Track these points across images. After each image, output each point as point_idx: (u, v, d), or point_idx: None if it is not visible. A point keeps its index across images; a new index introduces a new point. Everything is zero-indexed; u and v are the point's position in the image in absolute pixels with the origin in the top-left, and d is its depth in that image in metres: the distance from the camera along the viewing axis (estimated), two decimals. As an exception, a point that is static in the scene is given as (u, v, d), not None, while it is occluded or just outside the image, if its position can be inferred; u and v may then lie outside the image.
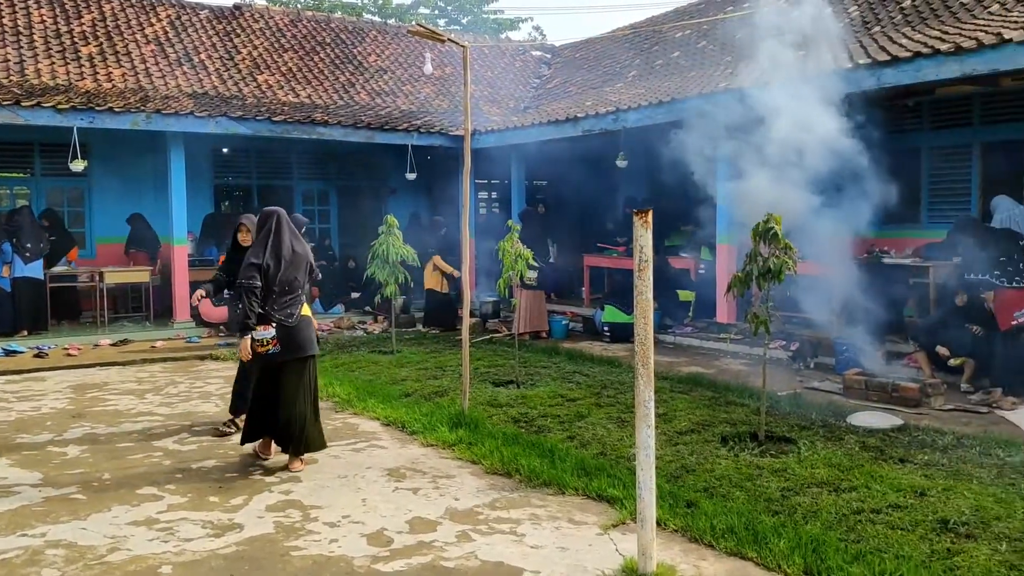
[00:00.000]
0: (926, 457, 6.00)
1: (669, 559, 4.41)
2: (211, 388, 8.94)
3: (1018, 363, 7.49)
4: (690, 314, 12.12)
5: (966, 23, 9.88)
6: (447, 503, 5.35)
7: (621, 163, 12.75)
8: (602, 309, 12.07)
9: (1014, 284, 7.70)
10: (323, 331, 12.87)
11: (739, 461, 5.97)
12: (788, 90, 9.49)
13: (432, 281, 13.07)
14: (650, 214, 4.15)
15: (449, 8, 35.03)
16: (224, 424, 7.11)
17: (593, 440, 6.63)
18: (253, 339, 5.86)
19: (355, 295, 14.55)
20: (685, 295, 12.25)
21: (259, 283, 5.86)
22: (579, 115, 12.78)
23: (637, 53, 17.06)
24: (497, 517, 5.09)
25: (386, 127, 14.15)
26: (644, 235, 4.15)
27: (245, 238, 6.88)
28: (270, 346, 5.91)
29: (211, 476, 5.98)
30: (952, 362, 7.98)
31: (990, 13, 10.19)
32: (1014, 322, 7.54)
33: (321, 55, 17.62)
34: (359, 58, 18.05)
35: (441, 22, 34.85)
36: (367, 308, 14.09)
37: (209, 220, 14.85)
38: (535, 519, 5.06)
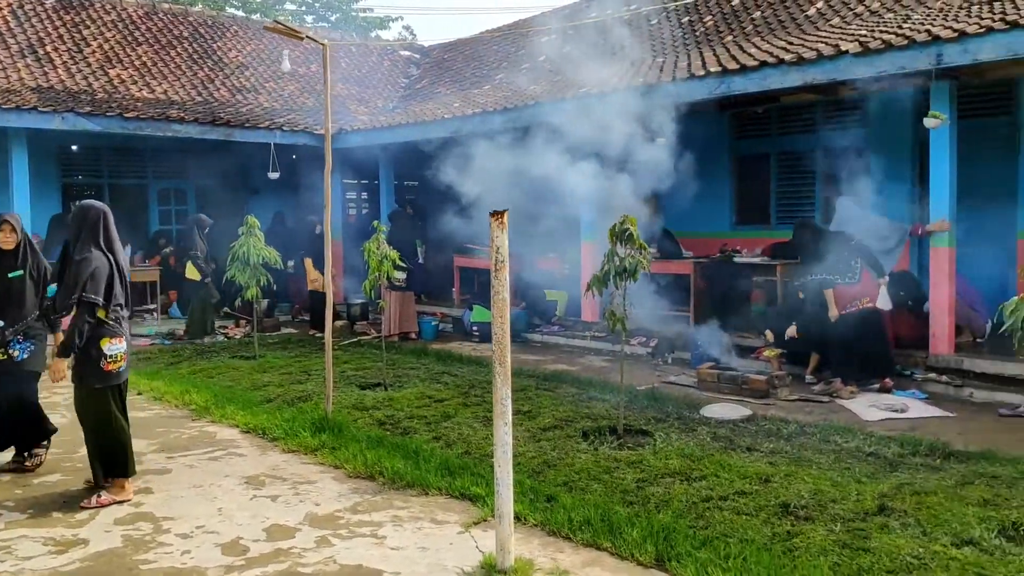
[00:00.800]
0: (771, 445, 6.34)
1: (528, 553, 4.49)
2: (57, 399, 8.46)
3: (848, 352, 8.01)
4: (558, 313, 12.36)
5: (810, 35, 10.49)
6: (307, 509, 5.26)
7: (492, 165, 12.84)
8: (471, 309, 12.15)
9: (847, 281, 8.23)
10: (180, 338, 12.40)
11: (598, 455, 6.14)
12: (633, 97, 9.87)
13: (317, 282, 12.82)
14: (506, 215, 4.21)
15: (316, 4, 34.38)
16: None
17: (459, 440, 6.66)
18: (105, 356, 5.41)
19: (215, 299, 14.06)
20: (553, 295, 12.47)
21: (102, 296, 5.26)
22: (446, 116, 12.81)
23: (505, 56, 17.25)
24: (358, 521, 5.05)
25: (247, 125, 13.76)
26: (500, 236, 4.21)
27: (6, 240, 5.95)
28: (122, 362, 5.52)
29: (55, 490, 5.66)
30: (766, 353, 8.45)
31: (832, 26, 10.86)
32: (844, 311, 8.08)
33: (178, 49, 16.95)
34: (219, 53, 17.47)
35: (308, 18, 34.16)
36: (227, 311, 13.65)
37: (55, 221, 14.02)
38: (397, 521, 5.04)
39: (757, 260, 10.42)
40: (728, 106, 10.70)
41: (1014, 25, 7.22)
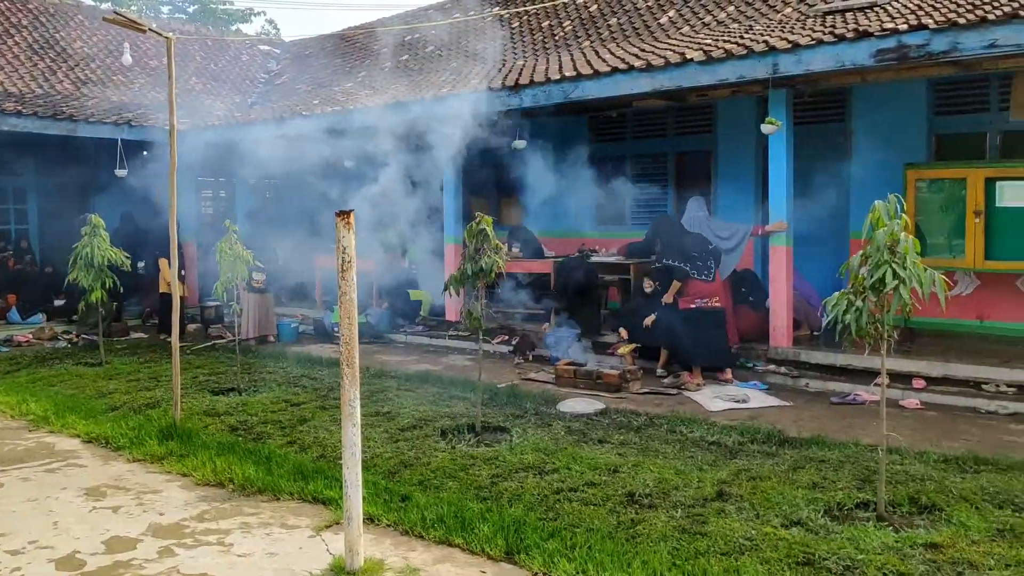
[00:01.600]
0: (622, 437, 6.57)
1: (379, 553, 4.49)
2: None
3: (692, 344, 8.40)
4: (422, 313, 12.35)
5: (661, 43, 10.89)
6: (151, 519, 5.07)
7: (348, 164, 12.69)
8: (331, 311, 11.97)
9: (703, 277, 8.64)
10: (20, 343, 11.67)
11: (455, 453, 6.19)
12: (490, 98, 10.02)
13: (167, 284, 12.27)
14: (352, 215, 4.20)
15: (172, -5, 33.06)
16: None
17: (314, 443, 6.57)
18: None
19: (58, 302, 13.31)
20: (417, 295, 12.45)
21: None
22: (305, 113, 12.57)
23: (368, 54, 17.08)
24: (205, 529, 4.91)
25: (92, 119, 13.07)
26: (347, 236, 4.19)
27: None
28: None
29: None
30: (621, 351, 8.77)
31: (682, 35, 11.31)
32: (692, 305, 8.47)
33: (16, 39, 15.92)
34: (63, 43, 16.51)
35: (164, 9, 32.78)
36: (74, 317, 12.94)
37: None
38: (246, 527, 4.93)
39: (612, 259, 10.75)
40: (586, 109, 10.97)
41: (841, 38, 7.74)
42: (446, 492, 5.36)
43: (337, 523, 4.91)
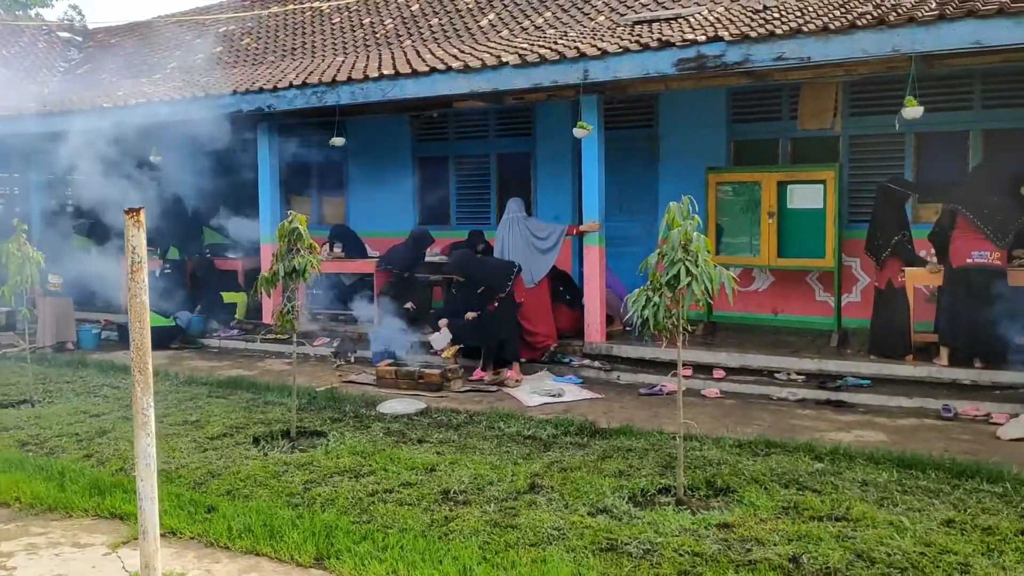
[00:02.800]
0: (441, 436, 6.60)
1: (180, 567, 4.29)
2: None
3: (499, 341, 8.60)
4: (237, 316, 11.90)
5: (480, 45, 11.02)
6: (-82, 547, 4.61)
7: (155, 158, 12.03)
8: (140, 315, 11.30)
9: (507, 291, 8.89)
10: None
11: (268, 460, 6.01)
12: (306, 94, 9.84)
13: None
14: (142, 213, 3.97)
15: (-42, -26, 30.07)
16: None
17: (114, 456, 6.19)
18: None
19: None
20: (231, 297, 11.99)
21: None
22: (106, 105, 11.81)
23: (178, 45, 16.26)
24: (-18, 554, 4.51)
25: None
26: (136, 235, 3.96)
27: None
28: None
29: None
30: (444, 355, 8.86)
31: (501, 38, 11.49)
32: (494, 305, 8.66)
33: None
34: None
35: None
36: None
37: None
38: (32, 549, 4.58)
39: (436, 259, 10.78)
40: (407, 109, 10.94)
41: (646, 47, 8.13)
42: (256, 501, 5.19)
43: (135, 539, 4.64)
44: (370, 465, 5.83)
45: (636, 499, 5.16)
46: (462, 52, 10.28)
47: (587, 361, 8.95)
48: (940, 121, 9.07)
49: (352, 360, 9.83)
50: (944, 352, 7.77)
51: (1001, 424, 6.61)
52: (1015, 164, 8.58)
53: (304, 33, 14.53)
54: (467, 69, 8.96)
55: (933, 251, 8.32)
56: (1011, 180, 7.91)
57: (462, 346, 8.93)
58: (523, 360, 8.83)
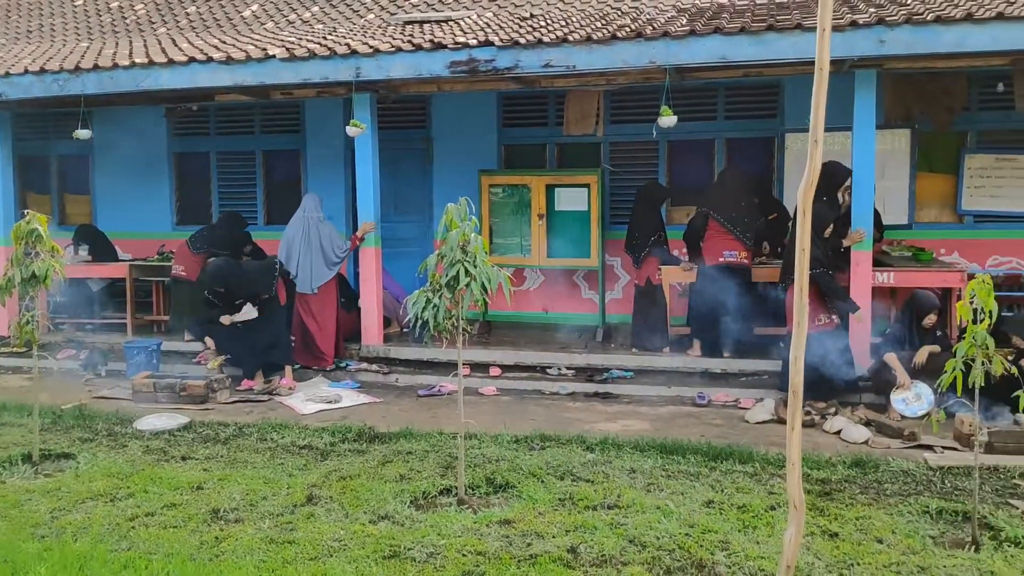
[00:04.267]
0: (208, 451, 6.20)
1: None
2: None
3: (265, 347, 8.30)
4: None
5: (243, 36, 10.51)
6: None
7: None
8: None
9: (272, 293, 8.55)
10: None
11: (6, 488, 5.37)
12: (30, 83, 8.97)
13: None
14: None
15: None
16: None
17: None
18: None
19: None
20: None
21: None
22: None
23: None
24: None
25: None
26: None
27: None
28: None
29: None
30: (211, 364, 8.37)
31: (266, 30, 11.02)
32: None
33: None
34: None
35: None
36: None
37: None
38: None
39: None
40: (163, 101, 10.20)
41: (419, 48, 8.10)
42: (-9, 536, 4.60)
43: None
44: (128, 487, 5.36)
45: (418, 502, 5.12)
46: (224, 43, 9.74)
47: (364, 365, 8.78)
48: (690, 130, 9.78)
49: (103, 373, 9.00)
50: (697, 344, 8.39)
51: (748, 408, 7.23)
52: (752, 171, 9.46)
53: (42, 15, 13.16)
54: (230, 61, 8.49)
55: (686, 250, 8.96)
56: (749, 185, 8.70)
57: (228, 356, 8.43)
58: (298, 366, 8.53)
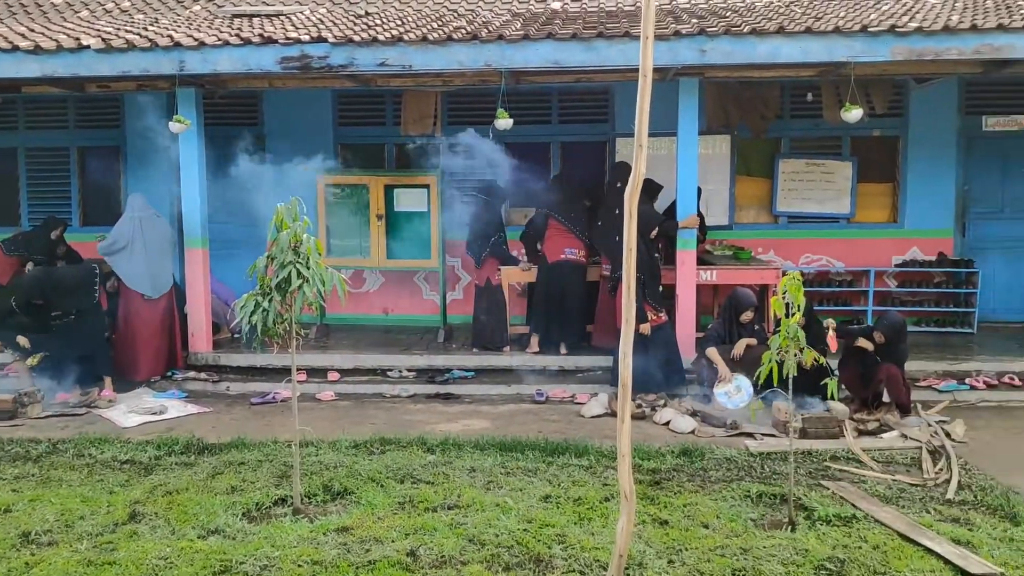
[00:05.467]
0: (17, 471, 5.73)
1: None
2: None
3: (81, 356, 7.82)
4: None
5: (55, 24, 9.77)
6: None
7: None
8: None
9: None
10: None
11: None
12: None
13: None
14: None
15: None
16: None
17: None
18: None
19: None
20: None
21: None
22: None
23: None
24: None
25: None
26: None
27: None
28: None
29: None
30: (29, 362, 7.74)
31: (80, 19, 10.29)
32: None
33: None
34: None
35: None
36: None
37: None
38: None
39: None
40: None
41: (247, 42, 7.80)
42: None
43: None
44: (-80, 515, 4.86)
45: (251, 514, 4.93)
46: (31, 31, 9.02)
47: (192, 373, 8.36)
48: (527, 132, 9.93)
49: None
50: (535, 341, 8.54)
51: (584, 403, 7.43)
52: (584, 173, 9.74)
53: None
54: (39, 50, 7.86)
55: (524, 251, 9.10)
56: (581, 188, 8.96)
57: (46, 354, 7.75)
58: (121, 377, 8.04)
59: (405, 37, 7.74)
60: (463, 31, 7.90)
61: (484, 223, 8.89)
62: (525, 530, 4.59)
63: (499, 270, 8.81)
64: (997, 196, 10.07)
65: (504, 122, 7.91)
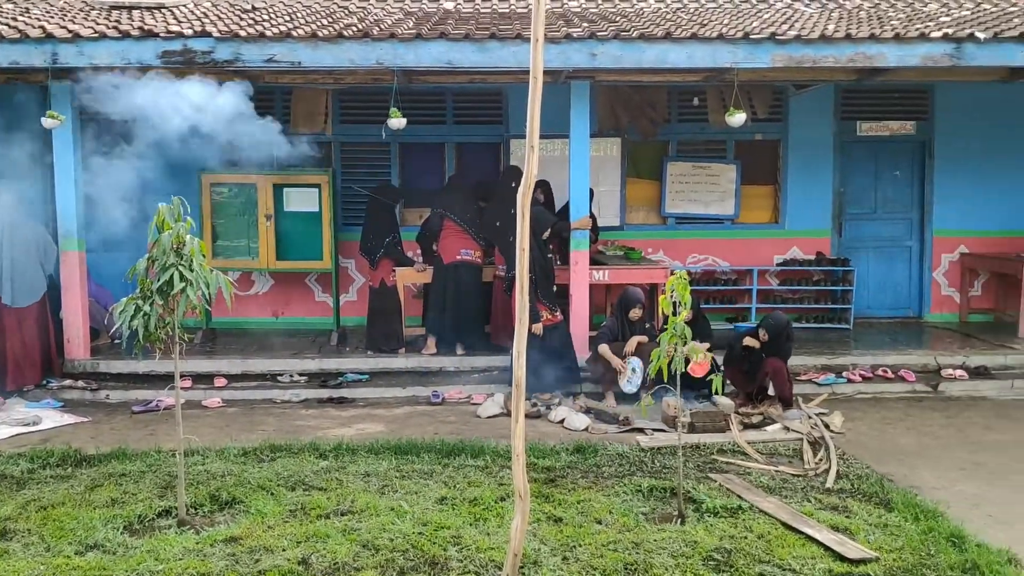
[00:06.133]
0: None
1: None
2: None
3: None
4: None
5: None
6: None
7: None
8: None
9: None
10: None
11: None
12: None
13: None
14: None
15: None
16: None
17: None
18: None
19: None
20: None
21: None
22: None
23: None
24: None
25: None
26: None
27: None
28: None
29: None
30: None
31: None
32: None
33: None
34: None
35: None
36: None
37: None
38: None
39: None
40: None
41: (126, 35, 7.48)
42: None
43: None
44: None
45: (133, 528, 4.71)
46: None
47: (69, 381, 7.94)
48: (421, 133, 9.89)
49: None
50: (431, 342, 8.50)
51: (480, 403, 7.43)
52: (479, 174, 9.75)
53: None
54: None
55: (420, 252, 9.04)
56: (477, 188, 8.98)
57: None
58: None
59: (294, 33, 7.57)
60: (354, 28, 7.78)
61: (378, 223, 8.79)
62: (420, 533, 4.55)
63: (394, 271, 8.73)
64: (870, 198, 10.62)
65: (397, 121, 7.84)
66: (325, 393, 7.86)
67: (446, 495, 5.13)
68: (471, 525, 4.68)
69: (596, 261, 8.81)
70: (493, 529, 4.62)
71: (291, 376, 8.20)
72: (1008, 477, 5.65)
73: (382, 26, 7.97)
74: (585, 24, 8.16)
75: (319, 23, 8.16)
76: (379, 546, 4.40)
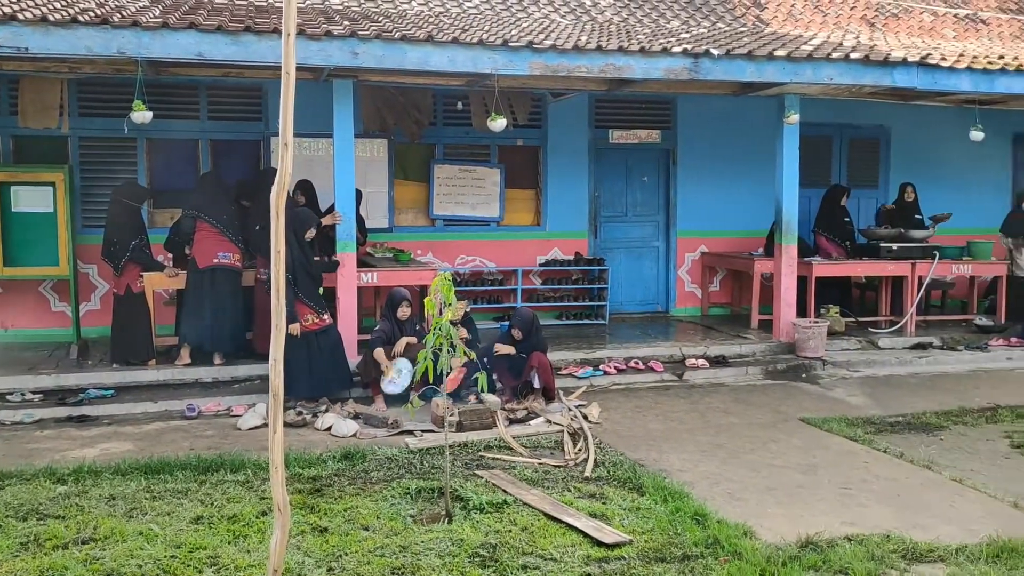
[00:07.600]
0: None
1: None
2: None
3: None
4: None
5: None
6: None
7: None
8: None
9: None
10: None
11: None
12: None
13: None
14: None
15: None
16: None
17: None
18: None
19: None
20: None
21: None
22: None
23: None
24: None
25: None
26: None
27: None
28: None
29: None
30: None
31: None
32: None
33: None
34: None
35: None
36: None
37: None
38: None
39: None
40: None
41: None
42: None
43: None
44: None
45: None
46: None
47: None
48: (172, 128, 9.30)
49: None
50: (186, 352, 7.98)
51: (241, 415, 7.07)
52: (237, 173, 9.32)
53: None
54: None
55: (171, 256, 8.48)
56: (236, 188, 8.57)
57: None
58: None
59: (19, 16, 6.82)
60: (91, 13, 7.15)
61: (123, 226, 8.11)
62: (173, 556, 4.25)
63: (141, 277, 8.09)
64: (622, 201, 11.29)
65: (141, 115, 7.28)
66: (64, 412, 7.14)
67: (203, 514, 4.83)
68: (230, 543, 4.43)
69: (365, 263, 8.69)
70: (254, 546, 4.40)
71: (22, 394, 7.39)
72: (742, 456, 6.19)
73: (124, 13, 7.38)
74: (347, 22, 8.02)
75: (50, 6, 7.42)
76: (125, 574, 4.05)
